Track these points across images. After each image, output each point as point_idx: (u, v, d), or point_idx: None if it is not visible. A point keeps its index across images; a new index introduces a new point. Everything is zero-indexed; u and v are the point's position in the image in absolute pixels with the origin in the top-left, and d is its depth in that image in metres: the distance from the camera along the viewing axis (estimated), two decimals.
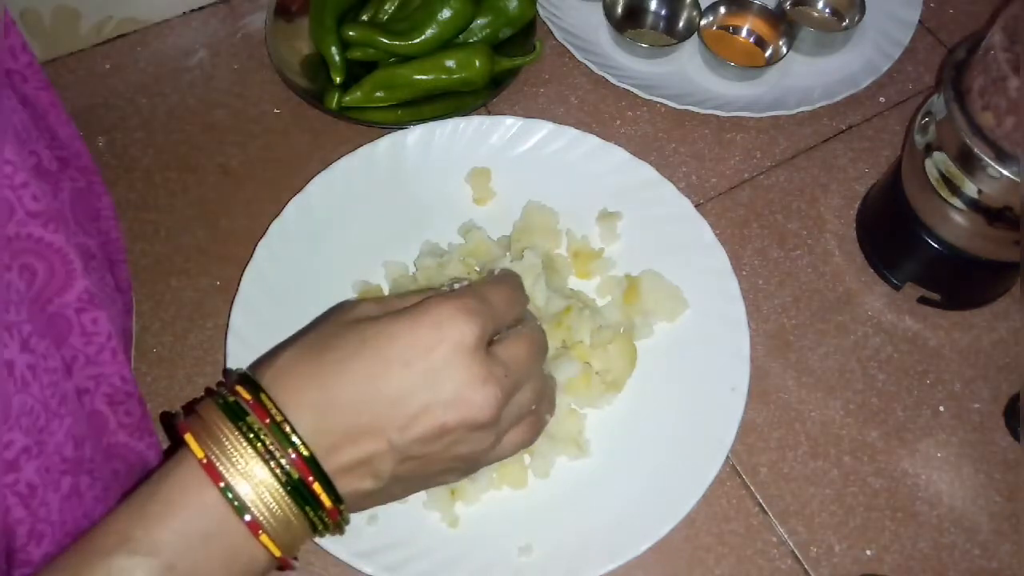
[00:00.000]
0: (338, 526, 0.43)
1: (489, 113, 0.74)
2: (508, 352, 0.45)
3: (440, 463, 0.44)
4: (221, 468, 0.39)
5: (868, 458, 0.61)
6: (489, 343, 0.45)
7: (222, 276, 0.67)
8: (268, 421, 0.40)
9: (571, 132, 0.70)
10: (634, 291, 0.63)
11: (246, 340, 0.61)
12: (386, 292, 0.64)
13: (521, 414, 0.47)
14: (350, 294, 0.64)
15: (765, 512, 0.59)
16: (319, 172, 0.67)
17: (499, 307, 0.45)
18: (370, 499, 0.44)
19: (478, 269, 0.64)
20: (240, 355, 0.60)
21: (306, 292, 0.64)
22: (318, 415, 0.41)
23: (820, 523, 0.58)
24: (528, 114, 0.72)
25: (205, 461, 0.39)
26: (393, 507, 0.51)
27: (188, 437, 0.40)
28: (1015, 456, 0.61)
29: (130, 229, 0.69)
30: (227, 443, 0.40)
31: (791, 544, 0.58)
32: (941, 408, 0.63)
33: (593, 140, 0.69)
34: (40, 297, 0.44)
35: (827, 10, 0.81)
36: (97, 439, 0.47)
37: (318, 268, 0.65)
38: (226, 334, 0.61)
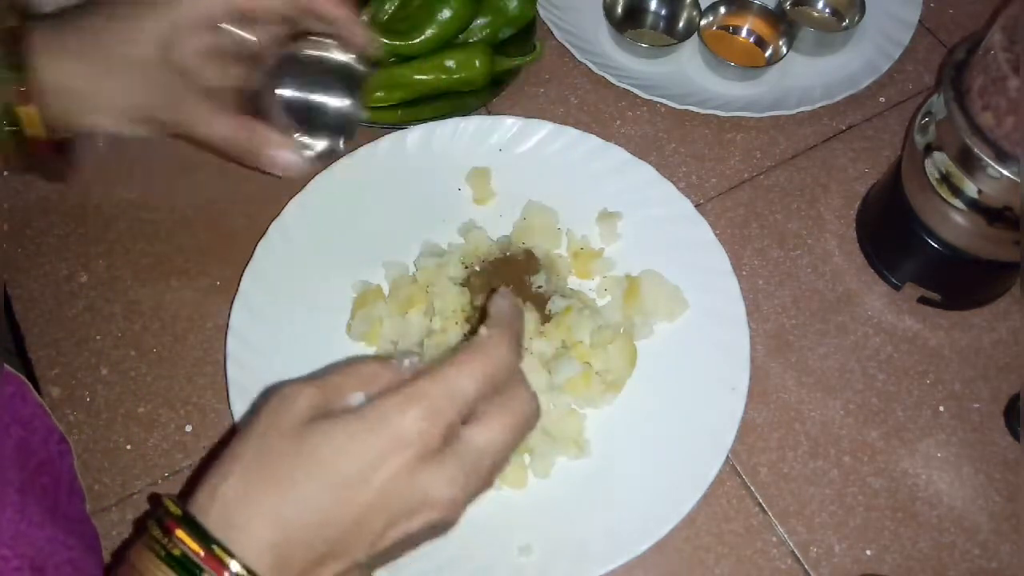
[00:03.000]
0: None
1: (489, 113, 0.74)
2: (484, 440, 0.39)
3: (409, 551, 0.41)
4: None
5: (868, 458, 0.61)
6: (472, 419, 0.40)
7: (222, 276, 0.67)
8: (226, 574, 0.35)
9: (571, 132, 0.70)
10: (634, 291, 0.63)
11: (246, 340, 0.61)
12: (386, 292, 0.64)
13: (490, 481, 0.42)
14: (350, 294, 0.64)
15: (765, 512, 0.59)
16: (319, 172, 0.67)
17: (470, 393, 0.39)
18: None
19: (478, 269, 0.64)
20: (240, 355, 0.60)
21: (306, 292, 0.64)
22: (279, 554, 0.36)
23: (820, 523, 0.58)
24: (528, 114, 0.72)
25: None
26: None
27: None
28: (1015, 456, 0.61)
29: (130, 229, 0.69)
30: None
31: (791, 544, 0.58)
32: (941, 408, 0.63)
33: (593, 140, 0.69)
34: None
35: (827, 10, 0.81)
36: None
37: (318, 268, 0.65)
38: (226, 334, 0.61)
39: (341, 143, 0.59)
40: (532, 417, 0.42)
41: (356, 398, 0.40)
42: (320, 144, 0.58)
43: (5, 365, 0.49)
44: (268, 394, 0.39)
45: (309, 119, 0.58)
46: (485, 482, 0.41)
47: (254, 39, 0.56)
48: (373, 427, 0.37)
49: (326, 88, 0.58)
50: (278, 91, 0.57)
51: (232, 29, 0.55)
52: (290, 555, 0.36)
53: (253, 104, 0.56)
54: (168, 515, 0.37)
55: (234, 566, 0.35)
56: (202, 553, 0.35)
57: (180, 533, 0.36)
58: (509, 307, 0.43)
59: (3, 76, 0.45)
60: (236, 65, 0.56)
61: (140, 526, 0.37)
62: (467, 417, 0.40)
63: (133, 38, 0.51)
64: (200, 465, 0.60)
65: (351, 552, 0.37)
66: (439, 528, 0.40)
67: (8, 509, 0.43)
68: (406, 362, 0.42)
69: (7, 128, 0.47)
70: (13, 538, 0.43)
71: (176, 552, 0.36)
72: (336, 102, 0.58)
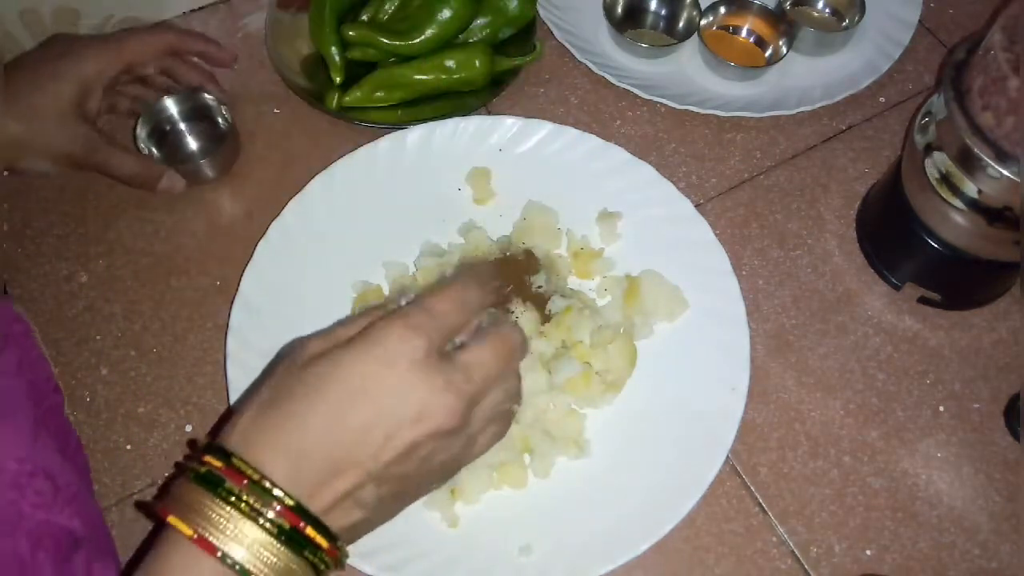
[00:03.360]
0: (338, 561, 0.42)
1: (489, 113, 0.74)
2: (471, 356, 0.44)
3: (420, 476, 0.45)
4: (213, 539, 0.39)
5: (868, 458, 0.61)
6: (461, 347, 0.45)
7: (222, 276, 0.67)
8: (246, 482, 0.40)
9: (571, 132, 0.70)
10: (634, 291, 0.63)
11: (246, 340, 0.61)
12: (386, 292, 0.64)
13: (493, 416, 0.47)
14: (350, 294, 0.64)
15: (765, 512, 0.59)
16: (319, 172, 0.67)
17: (447, 314, 0.44)
18: (363, 527, 0.44)
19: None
20: (240, 355, 0.60)
21: (306, 292, 0.64)
22: (292, 464, 0.41)
23: (820, 523, 0.58)
24: (528, 114, 0.72)
25: (196, 536, 0.39)
26: None
27: (172, 519, 0.40)
28: (1015, 456, 0.61)
29: (130, 229, 0.69)
30: (212, 513, 0.39)
31: (791, 544, 0.58)
32: (941, 408, 0.63)
33: (593, 140, 0.69)
34: None
35: (827, 10, 0.81)
36: (13, 532, 0.46)
37: (318, 268, 0.65)
38: (226, 334, 0.61)
39: (209, 170, 0.71)
40: (518, 346, 0.47)
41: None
42: (190, 169, 0.70)
43: (15, 307, 0.53)
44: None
45: (180, 150, 0.73)
46: (481, 401, 0.45)
47: (144, 92, 0.73)
48: (364, 347, 0.42)
49: (192, 125, 0.73)
50: (147, 129, 0.71)
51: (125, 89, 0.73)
52: (303, 465, 0.40)
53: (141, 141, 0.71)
54: (197, 448, 0.42)
55: (252, 474, 0.40)
56: (222, 466, 0.40)
57: (206, 457, 0.41)
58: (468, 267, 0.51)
59: None
60: (132, 114, 0.72)
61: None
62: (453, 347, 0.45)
63: (55, 97, 0.65)
64: None
65: (359, 463, 0.41)
66: (448, 444, 0.44)
67: (24, 433, 0.47)
68: (402, 300, 0.46)
69: None
70: (29, 451, 0.47)
71: (203, 471, 0.40)
72: (199, 136, 0.73)
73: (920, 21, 0.79)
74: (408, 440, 0.42)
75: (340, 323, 0.46)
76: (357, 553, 0.53)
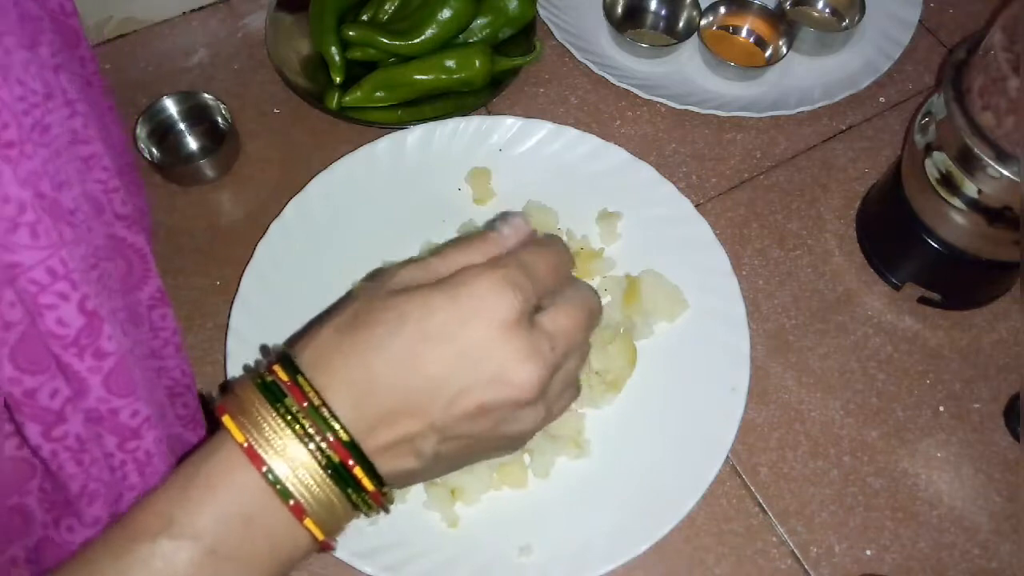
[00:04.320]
0: (382, 506, 0.42)
1: (489, 113, 0.74)
2: (556, 323, 0.42)
3: (486, 441, 0.43)
4: (261, 452, 0.39)
5: (868, 458, 0.61)
6: (537, 309, 0.42)
7: (222, 276, 0.67)
8: (306, 404, 0.39)
9: (571, 132, 0.70)
10: (634, 291, 0.63)
11: (246, 340, 0.61)
12: None
13: (568, 383, 0.45)
14: None
15: (765, 512, 0.59)
16: (319, 172, 0.67)
17: (543, 275, 0.42)
18: (413, 477, 0.43)
19: None
20: (240, 355, 0.60)
21: (306, 292, 0.64)
22: (357, 397, 0.40)
23: (820, 523, 0.58)
24: (528, 114, 0.72)
25: (246, 446, 0.39)
26: (393, 507, 0.51)
27: (227, 420, 0.40)
28: (1015, 456, 0.61)
29: None
30: (265, 425, 0.39)
31: (791, 544, 0.58)
32: (941, 408, 0.63)
33: (593, 140, 0.69)
34: (122, 291, 0.44)
35: (827, 10, 0.81)
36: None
37: (318, 268, 0.65)
38: (226, 334, 0.61)
39: (209, 170, 0.70)
40: (598, 312, 0.45)
41: None
42: (190, 169, 0.70)
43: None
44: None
45: (180, 150, 0.73)
46: (559, 371, 0.42)
47: None
48: (454, 292, 0.40)
49: (192, 125, 0.73)
50: (147, 129, 0.71)
51: None
52: (367, 400, 0.40)
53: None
54: (270, 354, 0.42)
55: (313, 398, 0.39)
56: (287, 381, 0.40)
57: (275, 367, 0.41)
58: (553, 236, 0.47)
59: None
60: None
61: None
62: (536, 309, 0.42)
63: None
64: None
65: (426, 410, 0.40)
66: (522, 415, 0.42)
67: (109, 149, 0.47)
68: (505, 229, 0.44)
69: None
70: (112, 160, 0.46)
71: (268, 379, 0.40)
72: (199, 136, 0.73)
73: (920, 21, 0.79)
74: (479, 401, 0.40)
75: (436, 253, 0.44)
76: (356, 553, 0.54)
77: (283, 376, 0.40)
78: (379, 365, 0.40)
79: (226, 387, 0.43)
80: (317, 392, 0.39)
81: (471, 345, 0.40)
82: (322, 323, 0.42)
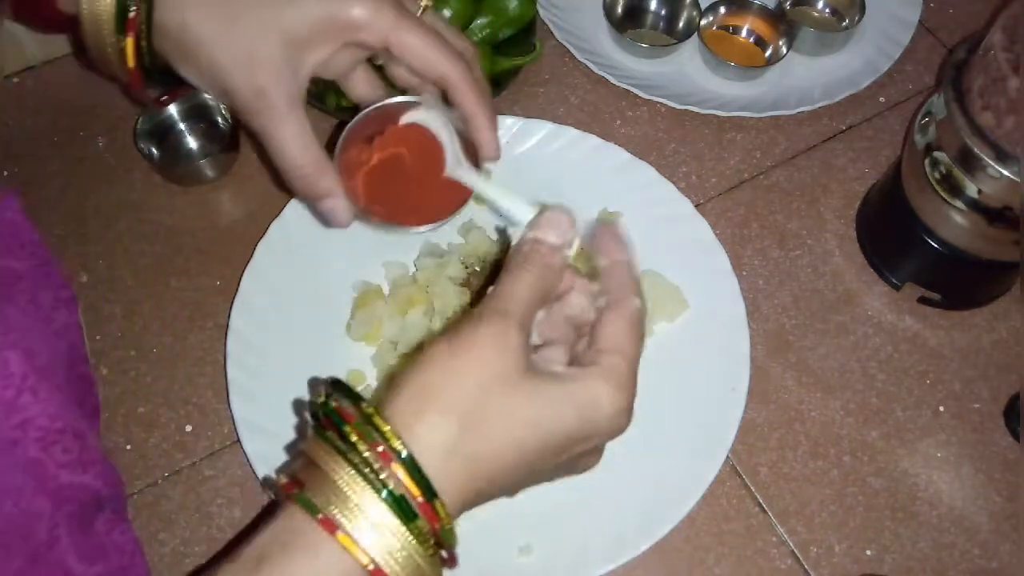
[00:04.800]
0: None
1: None
2: (620, 360, 0.43)
3: (567, 467, 0.45)
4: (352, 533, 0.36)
5: (868, 458, 0.61)
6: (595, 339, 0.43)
7: (222, 276, 0.67)
8: (437, 527, 0.38)
9: (571, 132, 0.70)
10: None
11: (246, 340, 0.61)
12: (386, 292, 0.64)
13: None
14: (350, 294, 0.64)
15: (765, 512, 0.59)
16: None
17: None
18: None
19: (478, 269, 0.64)
20: (240, 355, 0.60)
21: (306, 292, 0.64)
22: (471, 501, 0.40)
23: (820, 523, 0.58)
24: (528, 114, 0.72)
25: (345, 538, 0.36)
26: None
27: (356, 552, 0.36)
28: (1015, 456, 0.61)
29: (130, 229, 0.69)
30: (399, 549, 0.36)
31: (791, 544, 0.58)
32: (941, 408, 0.63)
33: (593, 140, 0.69)
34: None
35: (827, 10, 0.81)
36: (36, 493, 0.46)
37: (318, 268, 0.65)
38: (226, 334, 0.61)
39: (209, 170, 0.70)
40: (643, 314, 0.45)
41: (538, 319, 0.43)
42: (190, 169, 0.71)
43: (56, 273, 0.54)
44: (479, 317, 0.40)
45: (180, 150, 0.72)
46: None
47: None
48: (576, 405, 0.40)
49: (192, 125, 0.72)
50: (147, 129, 0.71)
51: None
52: (479, 500, 0.40)
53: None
54: (385, 440, 0.37)
55: (446, 522, 0.38)
56: (423, 501, 0.37)
57: (398, 468, 0.36)
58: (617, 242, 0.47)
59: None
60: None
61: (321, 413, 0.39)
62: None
63: (269, 21, 0.47)
64: (199, 464, 0.60)
65: (509, 491, 0.43)
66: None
67: (57, 393, 0.47)
68: (553, 238, 0.43)
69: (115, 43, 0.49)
70: (62, 409, 0.47)
71: (397, 492, 0.36)
72: (199, 136, 0.73)
73: (920, 21, 0.79)
74: (576, 452, 0.42)
75: (514, 277, 0.42)
76: None
77: (415, 492, 0.37)
78: (490, 468, 0.39)
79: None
80: (448, 515, 0.38)
81: (574, 455, 0.42)
82: (441, 400, 0.38)
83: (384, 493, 0.36)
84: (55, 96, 0.75)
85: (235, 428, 0.58)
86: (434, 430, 0.37)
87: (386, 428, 0.37)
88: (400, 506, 0.36)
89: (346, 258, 0.65)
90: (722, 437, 0.58)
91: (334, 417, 0.38)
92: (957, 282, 0.65)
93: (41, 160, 0.72)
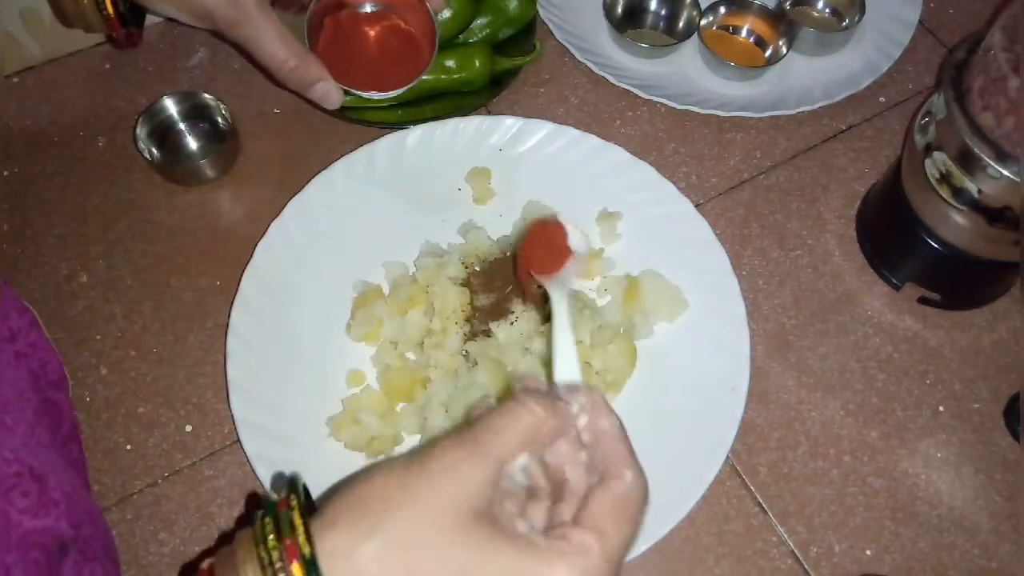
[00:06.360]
0: None
1: (489, 113, 0.74)
2: (595, 538, 0.37)
3: None
4: None
5: (868, 458, 0.61)
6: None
7: (222, 276, 0.67)
8: None
9: (571, 132, 0.70)
10: (634, 291, 0.63)
11: (246, 340, 0.61)
12: (386, 292, 0.64)
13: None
14: (350, 294, 0.64)
15: (765, 512, 0.59)
16: (319, 172, 0.67)
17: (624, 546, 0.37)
18: None
19: (478, 269, 0.64)
20: (240, 355, 0.60)
21: (306, 292, 0.64)
22: None
23: (820, 523, 0.58)
24: (528, 114, 0.72)
25: None
26: None
27: None
28: (1015, 456, 0.61)
29: (130, 229, 0.69)
30: None
31: (791, 544, 0.58)
32: (941, 408, 0.63)
33: (593, 140, 0.69)
34: None
35: (827, 10, 0.81)
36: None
37: (318, 268, 0.65)
38: (226, 334, 0.61)
39: (209, 170, 0.70)
40: (644, 497, 0.40)
41: (520, 464, 0.38)
42: (190, 169, 0.71)
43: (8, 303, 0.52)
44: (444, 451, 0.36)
45: (180, 150, 0.73)
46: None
47: None
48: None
49: (192, 125, 0.73)
50: (147, 128, 0.71)
51: None
52: None
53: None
54: (294, 537, 0.35)
55: None
56: None
57: (297, 569, 0.35)
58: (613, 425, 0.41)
59: None
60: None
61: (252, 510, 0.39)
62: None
63: None
64: (199, 463, 0.60)
65: None
66: None
67: (22, 424, 0.46)
68: (574, 406, 0.40)
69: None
70: (22, 447, 0.45)
71: None
72: (199, 136, 0.73)
73: (920, 21, 0.79)
74: None
75: (495, 422, 0.38)
76: None
77: None
78: None
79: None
80: None
81: None
82: (368, 521, 0.36)
83: None
84: (55, 96, 0.75)
85: (235, 428, 0.58)
86: (353, 548, 0.35)
87: (300, 525, 0.35)
88: None
89: (346, 258, 0.65)
90: (722, 437, 0.58)
91: (269, 507, 0.37)
92: (957, 282, 0.65)
93: (41, 160, 0.72)
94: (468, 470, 0.36)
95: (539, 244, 0.47)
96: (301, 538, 0.35)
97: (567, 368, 0.43)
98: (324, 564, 0.35)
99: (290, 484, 0.38)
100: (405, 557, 0.35)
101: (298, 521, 0.36)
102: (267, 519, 0.36)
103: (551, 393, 0.40)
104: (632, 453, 0.40)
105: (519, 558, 0.35)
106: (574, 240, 0.46)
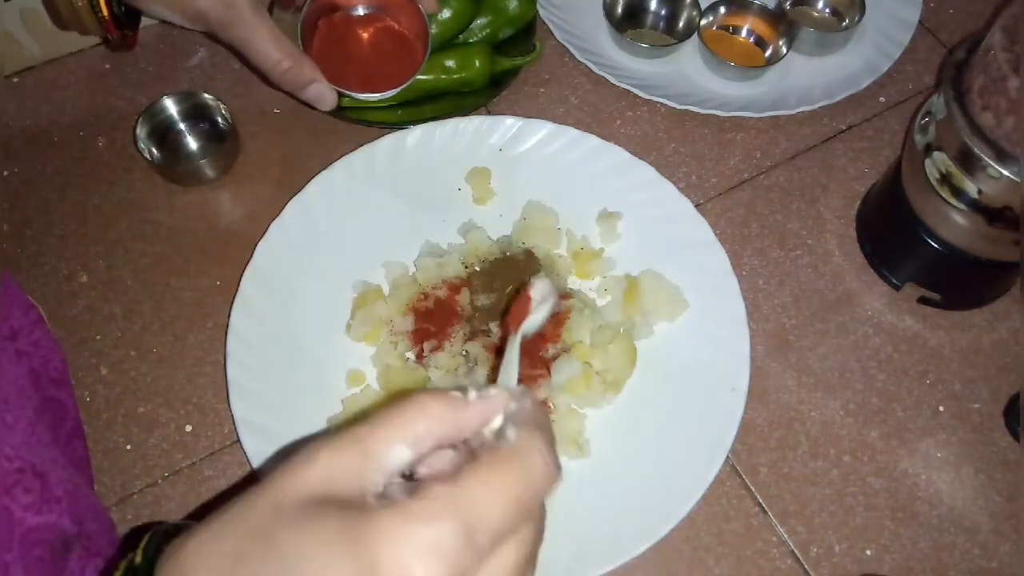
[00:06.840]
0: None
1: (489, 113, 0.74)
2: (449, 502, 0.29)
3: None
4: None
5: (868, 458, 0.61)
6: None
7: (222, 276, 0.67)
8: None
9: (571, 132, 0.70)
10: (634, 291, 0.63)
11: (246, 340, 0.61)
12: (386, 292, 0.64)
13: None
14: (350, 294, 0.64)
15: (765, 512, 0.59)
16: (319, 172, 0.67)
17: (495, 528, 0.30)
18: None
19: (478, 269, 0.64)
20: (240, 355, 0.60)
21: (306, 292, 0.64)
22: None
23: (820, 523, 0.58)
24: (528, 114, 0.72)
25: None
26: None
27: None
28: (1015, 456, 0.61)
29: (130, 229, 0.69)
30: None
31: (791, 544, 0.58)
32: (941, 408, 0.63)
33: (593, 140, 0.69)
34: None
35: (827, 10, 0.81)
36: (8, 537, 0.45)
37: (318, 268, 0.65)
38: (226, 334, 0.61)
39: (209, 170, 0.70)
40: (543, 475, 0.34)
41: (399, 455, 0.32)
42: (190, 169, 0.71)
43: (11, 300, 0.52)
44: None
45: (180, 150, 0.72)
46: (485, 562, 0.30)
47: None
48: (375, 565, 0.28)
49: (192, 125, 0.72)
50: (147, 129, 0.71)
51: None
52: None
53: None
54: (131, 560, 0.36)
55: None
56: None
57: None
58: (532, 405, 0.36)
59: None
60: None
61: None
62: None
63: None
64: (200, 463, 0.60)
65: None
66: None
67: (23, 421, 0.46)
68: (472, 394, 0.34)
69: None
70: (23, 444, 0.45)
71: None
72: (199, 136, 0.73)
73: (920, 21, 0.79)
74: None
75: (384, 413, 0.32)
76: None
77: None
78: None
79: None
80: None
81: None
82: (210, 535, 0.33)
83: None
84: (55, 96, 0.75)
85: (235, 428, 0.58)
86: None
87: (137, 554, 0.36)
88: None
89: (346, 258, 0.65)
90: (722, 437, 0.58)
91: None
92: (957, 282, 0.65)
93: (41, 160, 0.72)
94: (327, 456, 0.31)
95: (517, 302, 0.47)
96: (137, 558, 0.36)
97: (510, 377, 0.40)
98: None
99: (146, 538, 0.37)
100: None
101: (139, 553, 0.36)
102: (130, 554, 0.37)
103: (457, 396, 0.34)
104: (549, 443, 0.35)
105: (345, 520, 0.29)
106: (536, 291, 0.45)
